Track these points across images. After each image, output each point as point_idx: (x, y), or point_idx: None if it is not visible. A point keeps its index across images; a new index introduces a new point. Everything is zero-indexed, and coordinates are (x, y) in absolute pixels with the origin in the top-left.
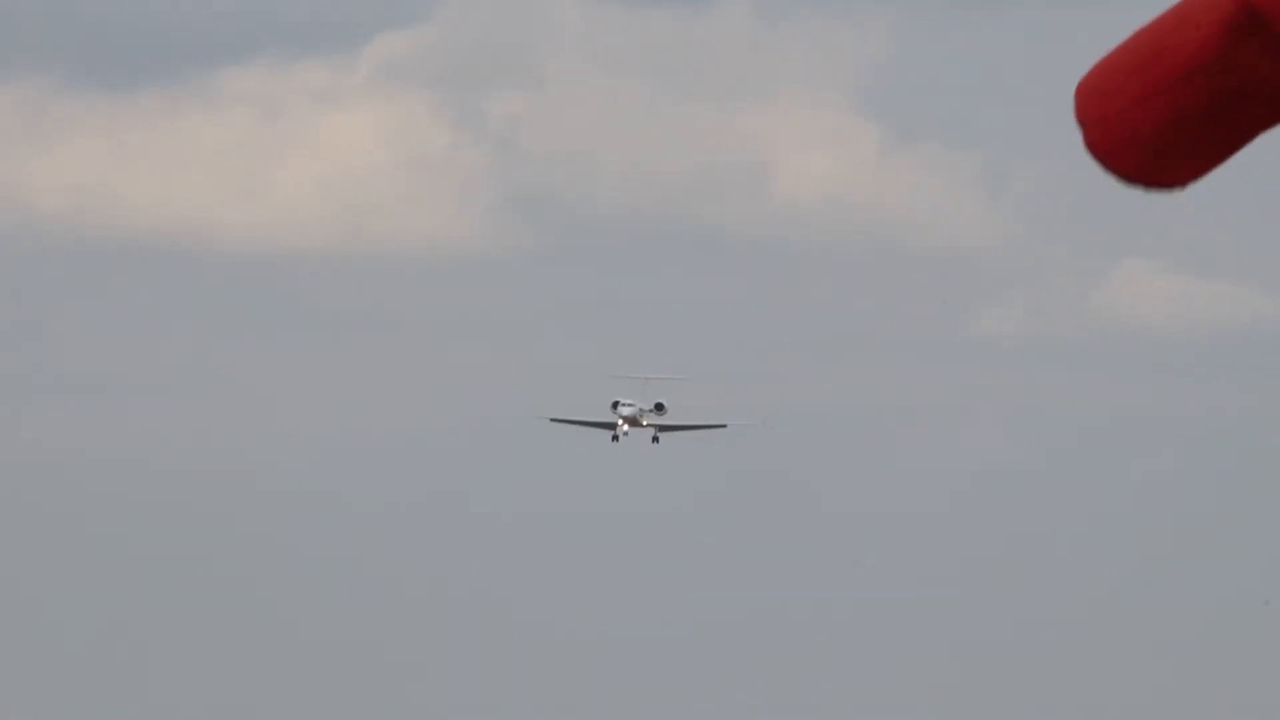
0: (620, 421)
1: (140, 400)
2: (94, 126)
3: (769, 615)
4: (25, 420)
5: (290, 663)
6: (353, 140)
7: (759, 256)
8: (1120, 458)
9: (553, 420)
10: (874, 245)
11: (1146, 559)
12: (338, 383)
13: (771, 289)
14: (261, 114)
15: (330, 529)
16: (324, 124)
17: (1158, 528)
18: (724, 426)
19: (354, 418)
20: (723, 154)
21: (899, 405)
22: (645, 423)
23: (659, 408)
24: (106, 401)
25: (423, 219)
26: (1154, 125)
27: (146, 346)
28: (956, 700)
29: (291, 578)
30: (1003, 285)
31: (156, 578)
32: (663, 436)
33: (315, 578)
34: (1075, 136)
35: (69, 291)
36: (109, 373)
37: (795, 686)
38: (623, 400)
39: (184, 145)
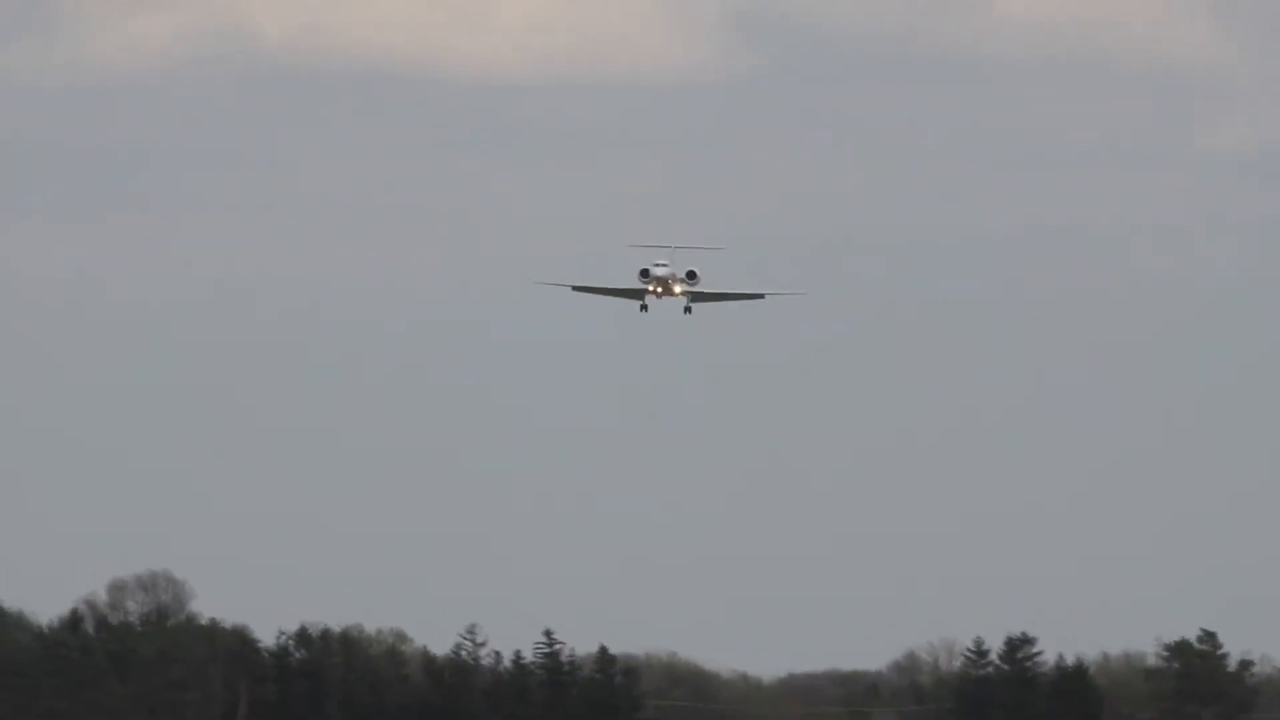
0: (651, 287)
1: (348, 222)
2: None
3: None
4: (253, 242)
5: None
6: None
7: (976, 73)
8: None
9: (575, 289)
10: (1094, 61)
11: None
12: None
13: (989, 105)
14: None
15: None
16: None
17: None
18: (761, 297)
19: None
20: None
21: (1129, 221)
22: (678, 290)
23: (691, 275)
24: (330, 225)
25: (642, 43)
26: None
27: (370, 172)
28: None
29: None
30: (1225, 101)
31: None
32: (695, 306)
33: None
34: None
35: (296, 118)
36: (336, 198)
37: None
38: (657, 261)
39: None
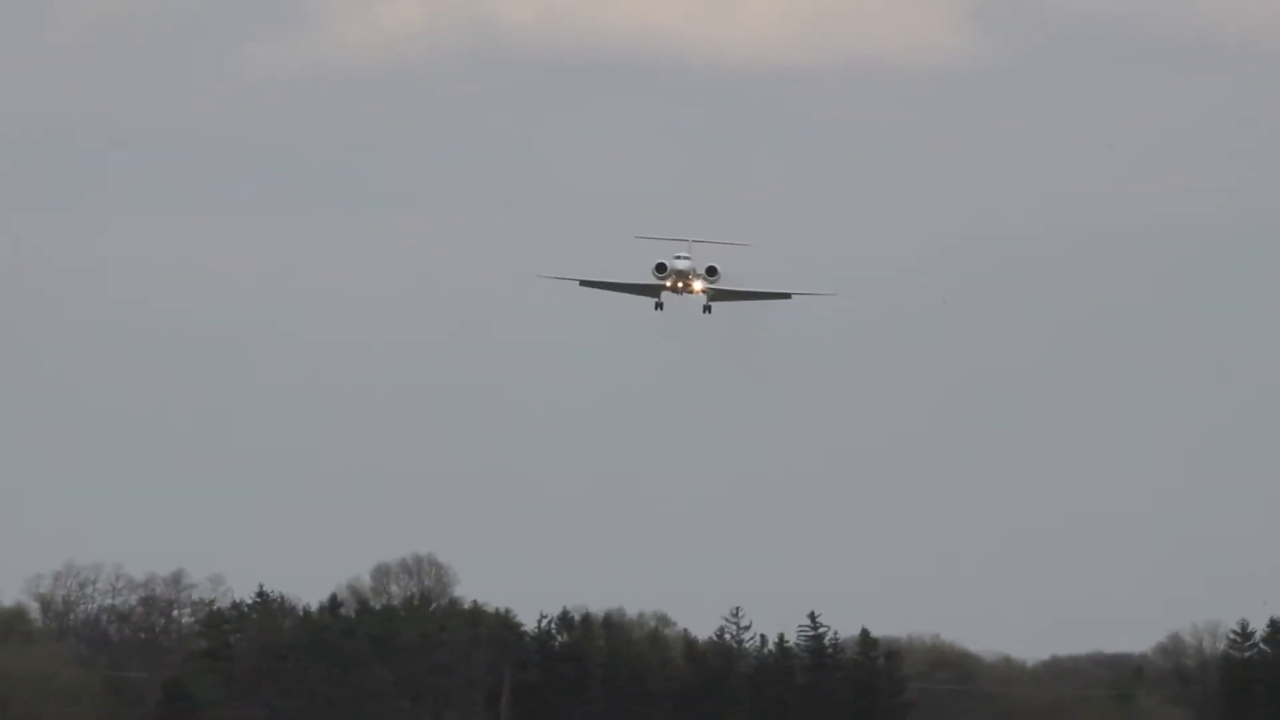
0: (671, 281)
1: (593, 215)
2: None
3: None
4: (498, 234)
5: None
6: None
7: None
8: None
9: (583, 284)
10: None
11: None
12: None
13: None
14: None
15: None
16: None
17: None
18: (788, 297)
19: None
20: None
21: None
22: (698, 286)
23: (711, 272)
24: (577, 215)
25: (884, 32)
26: None
27: (613, 162)
28: None
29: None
30: None
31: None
32: (715, 306)
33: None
34: None
35: (540, 107)
36: (584, 188)
37: None
38: (679, 254)
39: None
